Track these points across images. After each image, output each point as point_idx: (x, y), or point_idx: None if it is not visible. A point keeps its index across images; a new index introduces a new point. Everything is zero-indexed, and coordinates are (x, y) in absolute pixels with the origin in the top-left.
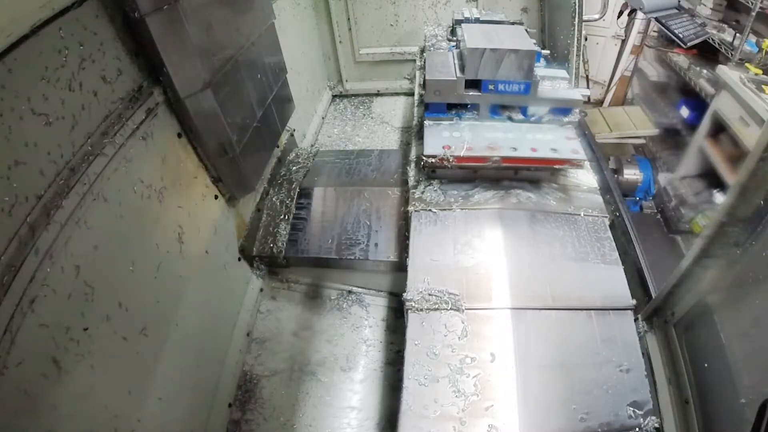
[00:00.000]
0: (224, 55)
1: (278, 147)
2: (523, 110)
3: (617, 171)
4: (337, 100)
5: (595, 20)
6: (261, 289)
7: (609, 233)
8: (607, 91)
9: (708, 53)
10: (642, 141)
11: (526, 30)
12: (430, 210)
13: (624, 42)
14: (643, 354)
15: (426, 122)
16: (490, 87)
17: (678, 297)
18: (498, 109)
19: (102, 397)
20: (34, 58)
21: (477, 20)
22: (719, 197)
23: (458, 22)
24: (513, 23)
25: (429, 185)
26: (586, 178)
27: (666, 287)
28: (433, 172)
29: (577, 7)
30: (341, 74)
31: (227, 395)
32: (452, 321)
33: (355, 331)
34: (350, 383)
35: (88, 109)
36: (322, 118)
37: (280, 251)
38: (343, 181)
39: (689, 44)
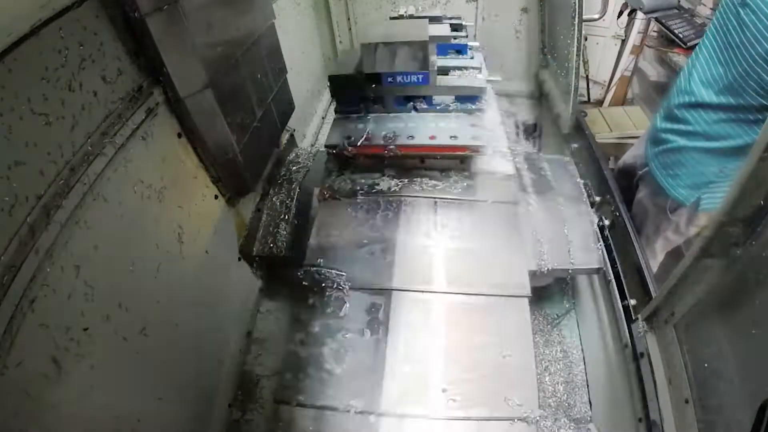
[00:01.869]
0: (224, 56)
1: (278, 147)
2: (428, 100)
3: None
4: None
5: (595, 20)
6: (261, 289)
7: (517, 220)
8: (607, 91)
9: None
10: None
11: (461, 24)
12: (336, 198)
13: (624, 42)
14: (642, 354)
15: (336, 116)
16: (390, 80)
17: (678, 297)
18: (403, 101)
19: (102, 397)
20: (34, 58)
21: (411, 17)
22: None
23: (394, 20)
24: (451, 18)
25: (341, 175)
26: (503, 165)
27: (666, 287)
28: (344, 162)
29: (577, 7)
30: None
31: (227, 395)
32: (338, 299)
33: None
34: None
35: (88, 109)
36: (322, 118)
37: (280, 251)
38: None
39: (689, 44)
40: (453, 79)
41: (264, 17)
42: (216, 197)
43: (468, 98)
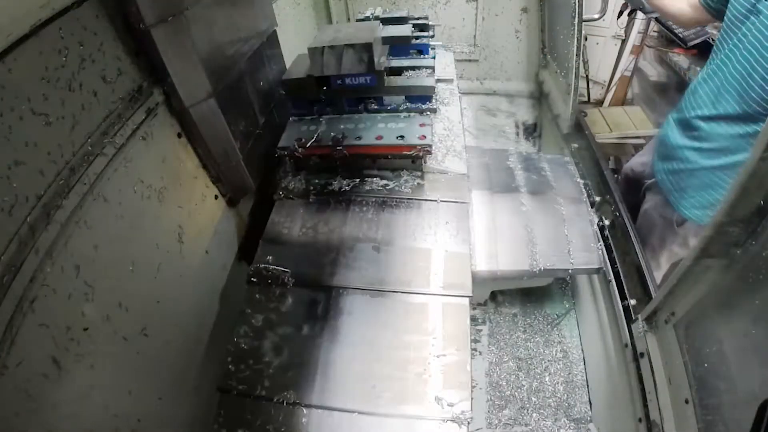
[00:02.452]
0: (228, 65)
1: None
2: (379, 101)
3: (617, 171)
4: None
5: (595, 20)
6: None
7: (467, 221)
8: (607, 91)
9: (708, 53)
10: (642, 141)
11: (427, 24)
12: (290, 198)
13: (624, 42)
14: (642, 354)
15: (291, 119)
16: (338, 82)
17: (678, 297)
18: (354, 102)
19: (102, 397)
20: (34, 58)
21: (377, 18)
22: None
23: (360, 21)
24: (418, 18)
25: (296, 176)
26: (456, 165)
27: (666, 287)
28: (297, 163)
29: (577, 7)
30: None
31: None
32: (282, 295)
33: None
34: None
35: (88, 109)
36: None
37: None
38: None
39: (689, 44)
40: (402, 80)
41: (267, 26)
42: (216, 197)
43: (419, 98)
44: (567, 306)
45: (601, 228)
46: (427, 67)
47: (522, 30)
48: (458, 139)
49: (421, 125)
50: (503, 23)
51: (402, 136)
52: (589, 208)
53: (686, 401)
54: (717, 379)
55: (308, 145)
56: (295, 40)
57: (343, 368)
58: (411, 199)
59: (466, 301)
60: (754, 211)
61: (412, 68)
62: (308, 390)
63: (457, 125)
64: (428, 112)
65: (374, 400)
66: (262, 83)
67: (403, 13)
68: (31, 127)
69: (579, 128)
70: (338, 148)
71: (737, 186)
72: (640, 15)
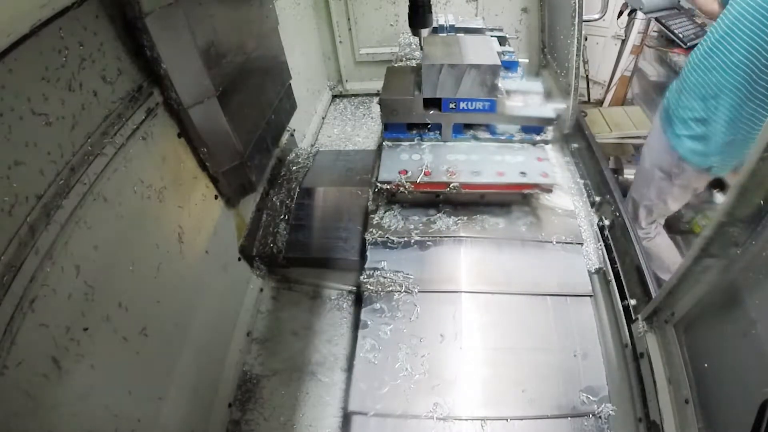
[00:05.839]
0: (230, 63)
1: (278, 147)
2: (491, 128)
3: (617, 171)
4: (337, 100)
5: (595, 20)
6: (261, 289)
7: (582, 259)
8: (607, 91)
9: None
10: (642, 141)
11: (505, 37)
12: (389, 239)
13: (624, 42)
14: (642, 354)
15: (385, 144)
16: (451, 106)
17: (678, 297)
18: (462, 128)
19: (102, 397)
20: (34, 58)
21: (452, 27)
22: (719, 197)
23: (455, 36)
24: (492, 30)
25: (389, 210)
26: (561, 200)
27: (666, 287)
28: (393, 196)
29: (577, 7)
30: (341, 74)
31: (227, 395)
32: (405, 303)
33: (356, 331)
34: None
35: (88, 109)
36: (322, 118)
37: (280, 251)
38: (343, 181)
39: (689, 44)
40: (521, 108)
41: (270, 23)
42: (216, 197)
43: (533, 128)
44: None
45: (601, 228)
46: (536, 92)
47: (522, 30)
48: (559, 170)
49: (539, 159)
50: (503, 23)
51: (524, 173)
52: (589, 208)
53: (686, 401)
54: (717, 379)
55: (419, 180)
56: (296, 40)
57: (489, 375)
58: (526, 240)
59: (588, 300)
60: (754, 211)
61: (520, 92)
62: (457, 402)
63: (554, 155)
64: (542, 144)
65: (527, 404)
66: (264, 82)
67: (479, 23)
68: (31, 127)
69: (579, 128)
70: (454, 185)
71: (737, 186)
72: (640, 15)
